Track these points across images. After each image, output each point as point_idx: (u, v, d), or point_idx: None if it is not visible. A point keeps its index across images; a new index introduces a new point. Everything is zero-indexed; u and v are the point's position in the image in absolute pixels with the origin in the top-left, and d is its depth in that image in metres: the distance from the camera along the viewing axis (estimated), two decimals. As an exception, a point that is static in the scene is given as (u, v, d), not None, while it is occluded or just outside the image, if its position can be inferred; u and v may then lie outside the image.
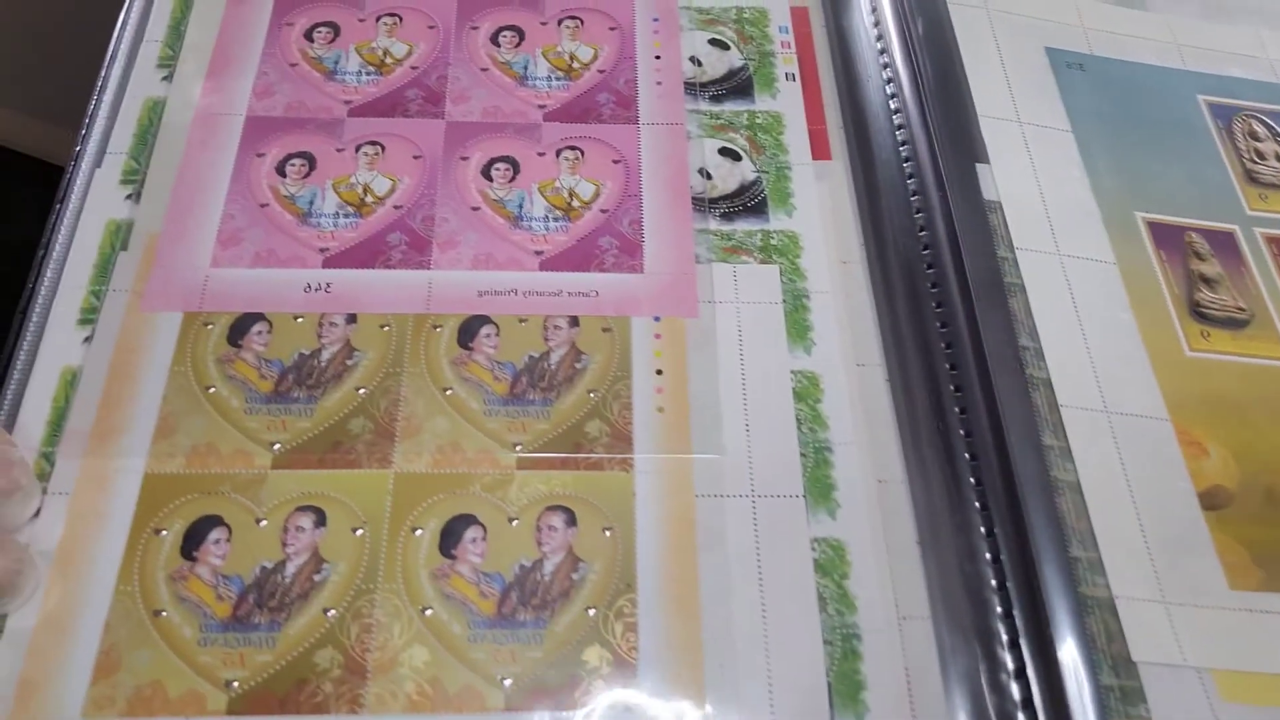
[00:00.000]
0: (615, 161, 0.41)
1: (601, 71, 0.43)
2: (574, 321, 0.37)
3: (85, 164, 0.39)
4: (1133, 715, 0.30)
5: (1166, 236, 0.40)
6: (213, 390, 0.34)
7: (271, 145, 0.40)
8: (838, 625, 0.32)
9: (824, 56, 0.45)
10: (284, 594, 0.31)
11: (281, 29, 0.44)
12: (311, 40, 0.43)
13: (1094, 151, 0.42)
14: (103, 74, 0.42)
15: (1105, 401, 0.36)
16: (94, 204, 0.38)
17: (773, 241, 0.39)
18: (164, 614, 0.31)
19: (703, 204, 0.40)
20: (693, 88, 0.43)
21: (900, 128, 0.42)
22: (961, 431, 0.35)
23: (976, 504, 0.34)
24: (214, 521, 0.32)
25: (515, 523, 0.33)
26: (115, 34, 0.43)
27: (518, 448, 0.34)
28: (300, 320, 0.36)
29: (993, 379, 0.35)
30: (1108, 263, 0.39)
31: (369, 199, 0.39)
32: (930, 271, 0.38)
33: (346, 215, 0.39)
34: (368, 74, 0.43)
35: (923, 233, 0.39)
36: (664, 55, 0.44)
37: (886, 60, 0.44)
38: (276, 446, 0.34)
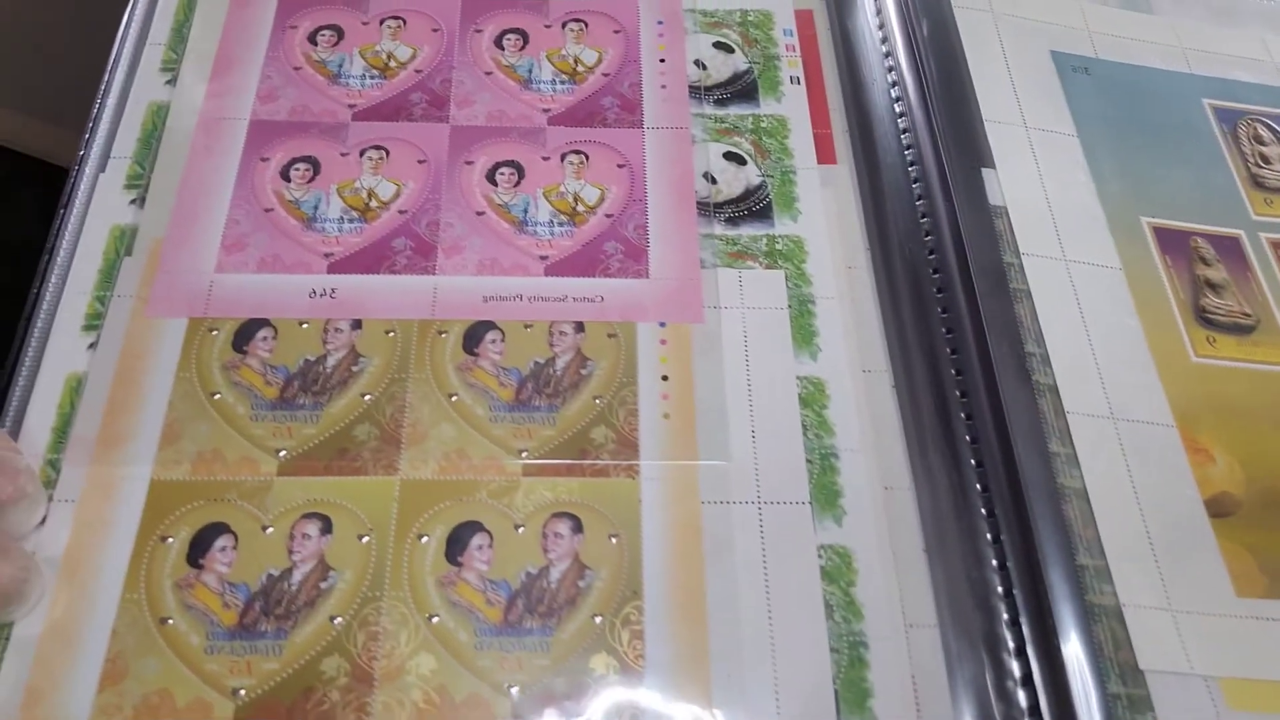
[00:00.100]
0: (620, 166, 0.41)
1: (606, 75, 0.43)
2: (579, 327, 0.37)
3: (89, 168, 0.39)
4: (1139, 723, 0.30)
5: (1172, 241, 0.40)
6: (218, 396, 0.34)
7: (276, 150, 0.40)
8: (844, 633, 0.32)
9: (829, 60, 0.45)
10: (290, 601, 0.31)
11: (285, 32, 0.43)
12: (315, 43, 0.43)
13: (1099, 156, 0.42)
14: (106, 78, 0.42)
15: (1111, 408, 0.36)
16: (98, 209, 0.38)
17: (778, 246, 0.39)
18: (170, 622, 0.31)
19: (708, 209, 0.40)
20: (697, 91, 0.43)
21: (905, 131, 0.42)
22: (968, 438, 0.35)
23: (983, 511, 0.34)
24: (220, 529, 0.32)
25: (521, 530, 0.33)
26: (118, 37, 0.43)
27: (523, 454, 0.34)
28: (305, 326, 0.36)
29: (999, 385, 0.35)
30: (1113, 268, 0.39)
31: (374, 204, 0.39)
32: (936, 277, 0.38)
33: (351, 220, 0.39)
34: (371, 77, 0.42)
35: (928, 237, 0.39)
36: (668, 59, 0.44)
37: (891, 64, 0.44)
38: (282, 453, 0.34)
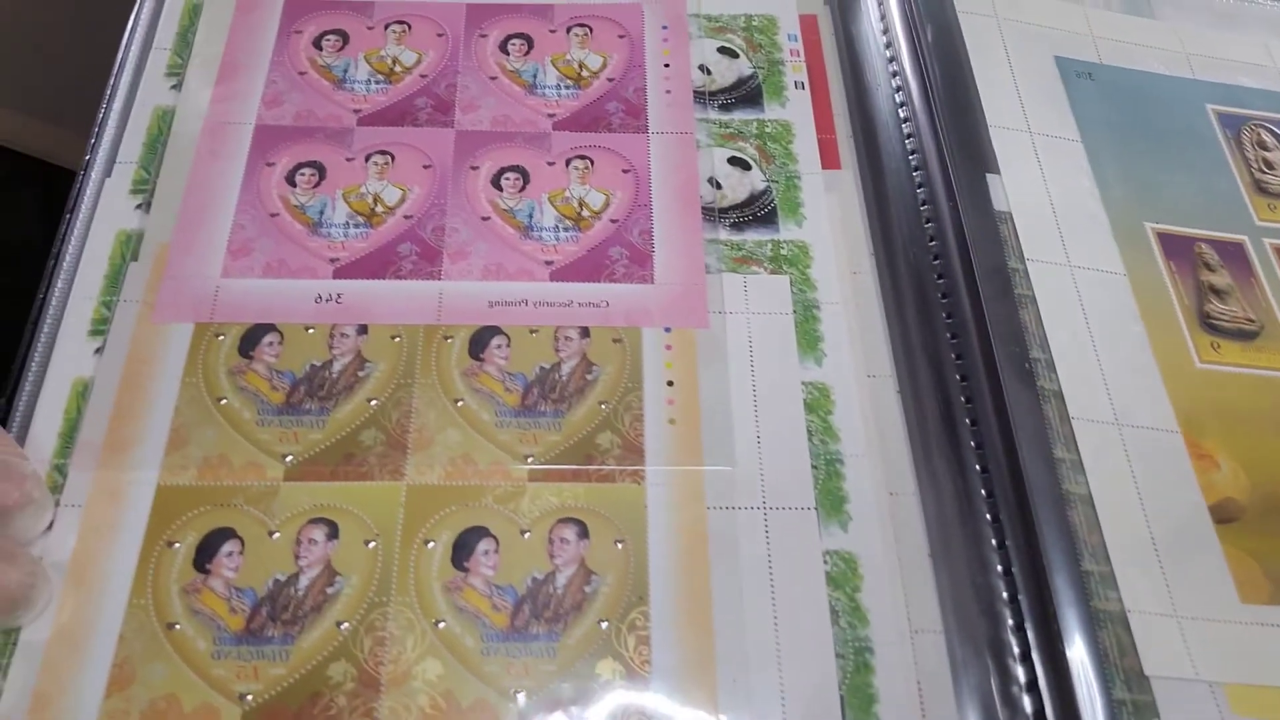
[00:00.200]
0: (625, 171, 0.41)
1: (611, 80, 0.43)
2: (585, 332, 0.37)
3: (95, 173, 0.39)
4: (1145, 729, 0.30)
5: (1176, 247, 0.40)
6: (224, 402, 0.34)
7: (281, 154, 0.40)
8: (850, 638, 0.32)
9: (833, 65, 0.45)
10: (297, 607, 0.31)
11: (290, 37, 0.44)
12: (320, 48, 0.43)
13: (1103, 161, 0.42)
14: (111, 82, 0.42)
15: (1116, 414, 0.36)
16: (104, 214, 0.38)
17: (783, 251, 0.39)
18: (177, 627, 0.31)
19: (712, 214, 0.40)
20: (702, 96, 0.43)
21: (910, 136, 0.42)
22: (972, 444, 0.35)
23: (988, 516, 0.34)
24: (227, 534, 0.32)
25: (527, 535, 0.33)
26: (123, 42, 0.43)
27: (529, 459, 0.34)
28: (311, 331, 0.36)
29: (1004, 391, 0.35)
30: (1118, 274, 0.39)
31: (379, 209, 0.39)
32: (940, 282, 0.38)
33: (357, 225, 0.39)
34: (377, 82, 0.42)
35: (933, 243, 0.39)
36: (673, 64, 0.44)
37: (896, 69, 0.44)
38: (288, 458, 0.34)
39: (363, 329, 0.36)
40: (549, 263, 0.38)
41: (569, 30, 0.45)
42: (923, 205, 0.40)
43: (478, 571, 0.32)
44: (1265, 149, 0.44)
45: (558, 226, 0.39)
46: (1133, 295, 0.39)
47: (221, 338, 0.36)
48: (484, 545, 0.33)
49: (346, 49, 0.43)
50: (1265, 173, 0.43)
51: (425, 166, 0.40)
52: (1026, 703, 0.30)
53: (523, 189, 0.40)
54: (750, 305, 0.38)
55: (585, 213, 0.40)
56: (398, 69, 0.43)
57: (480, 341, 0.36)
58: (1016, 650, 0.31)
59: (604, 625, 0.32)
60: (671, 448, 0.35)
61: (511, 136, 0.41)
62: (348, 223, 0.39)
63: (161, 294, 0.36)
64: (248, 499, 0.33)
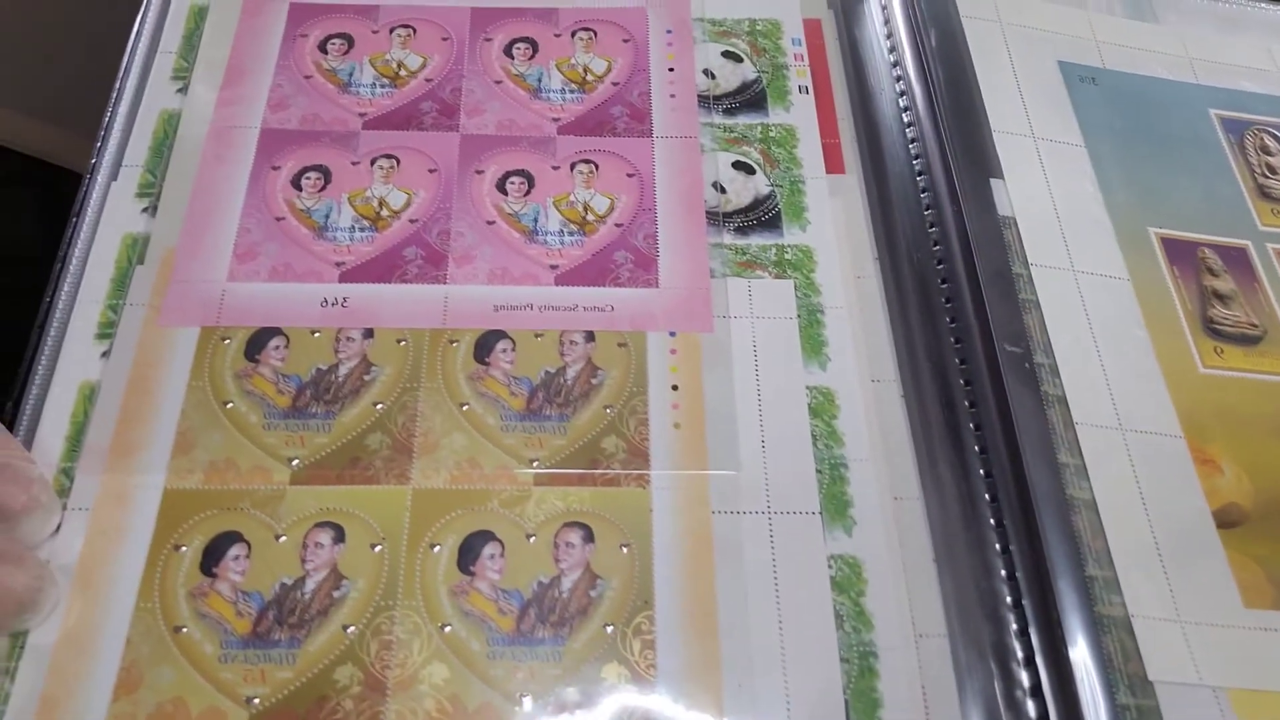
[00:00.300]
0: (629, 175, 0.41)
1: (615, 84, 0.44)
2: (590, 336, 0.37)
3: (101, 176, 0.39)
4: (1148, 734, 0.30)
5: (1179, 252, 0.40)
6: (231, 405, 0.35)
7: (287, 158, 0.40)
8: (854, 643, 0.32)
9: (837, 69, 0.45)
10: (304, 610, 0.31)
11: (295, 40, 0.44)
12: (325, 52, 0.43)
13: (1107, 166, 0.42)
14: (117, 86, 0.42)
15: (1120, 419, 0.36)
16: (110, 217, 0.38)
17: (787, 256, 0.39)
18: (184, 630, 0.31)
19: (717, 218, 0.40)
20: (706, 100, 0.43)
21: (914, 141, 0.42)
22: (976, 448, 0.35)
23: (992, 521, 0.34)
24: (233, 538, 0.32)
25: (533, 539, 0.33)
26: (129, 46, 0.43)
27: (535, 463, 0.34)
28: (317, 335, 0.36)
29: (1008, 395, 0.35)
30: (1121, 279, 0.39)
31: (385, 213, 0.39)
32: (944, 286, 0.38)
33: (362, 229, 0.39)
34: (382, 86, 0.43)
35: (937, 247, 0.39)
36: (677, 68, 0.44)
37: (899, 73, 0.44)
38: (295, 462, 0.34)
39: (368, 333, 0.36)
40: (554, 267, 0.39)
41: (573, 34, 0.45)
42: (926, 210, 0.40)
43: (483, 575, 0.32)
44: (1269, 154, 0.44)
45: (562, 231, 0.39)
46: (1136, 300, 0.39)
47: (228, 341, 0.36)
48: (489, 549, 0.33)
49: (351, 53, 0.43)
50: (1268, 177, 0.43)
51: (430, 170, 0.40)
52: (1030, 707, 0.31)
53: (528, 193, 0.40)
54: (755, 309, 0.38)
55: (590, 217, 0.40)
56: (402, 73, 0.43)
57: (485, 345, 0.37)
58: (1020, 655, 0.31)
59: (609, 629, 0.32)
60: (676, 452, 0.35)
61: (516, 140, 0.42)
62: (353, 227, 0.39)
63: (168, 298, 0.36)
64: (254, 503, 0.33)
